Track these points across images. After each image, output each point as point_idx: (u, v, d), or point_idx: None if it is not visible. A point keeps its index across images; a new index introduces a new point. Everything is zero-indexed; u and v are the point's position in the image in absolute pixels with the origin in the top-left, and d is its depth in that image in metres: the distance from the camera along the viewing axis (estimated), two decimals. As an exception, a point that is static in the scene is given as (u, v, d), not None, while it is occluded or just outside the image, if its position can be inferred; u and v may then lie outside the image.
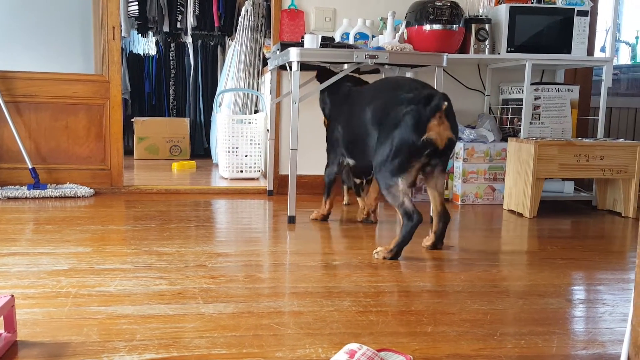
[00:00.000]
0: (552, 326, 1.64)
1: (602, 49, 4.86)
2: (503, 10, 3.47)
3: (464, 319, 1.67)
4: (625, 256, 2.47)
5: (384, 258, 2.32)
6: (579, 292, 1.98)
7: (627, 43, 5.39)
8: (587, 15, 3.53)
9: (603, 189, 3.55)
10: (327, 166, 2.97)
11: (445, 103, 2.30)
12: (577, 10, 3.52)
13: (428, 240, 2.53)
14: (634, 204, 3.34)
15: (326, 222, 3.00)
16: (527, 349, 1.47)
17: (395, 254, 2.33)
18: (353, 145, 2.71)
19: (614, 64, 3.66)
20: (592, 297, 1.92)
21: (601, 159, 3.27)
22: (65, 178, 3.75)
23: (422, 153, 2.32)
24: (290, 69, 2.91)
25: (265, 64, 4.73)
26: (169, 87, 6.36)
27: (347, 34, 3.61)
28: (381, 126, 2.43)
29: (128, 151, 5.92)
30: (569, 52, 3.54)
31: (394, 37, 3.40)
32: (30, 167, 3.60)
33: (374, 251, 2.38)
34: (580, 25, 3.54)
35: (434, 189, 2.50)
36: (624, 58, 5.39)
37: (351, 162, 2.82)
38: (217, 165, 5.22)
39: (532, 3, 3.64)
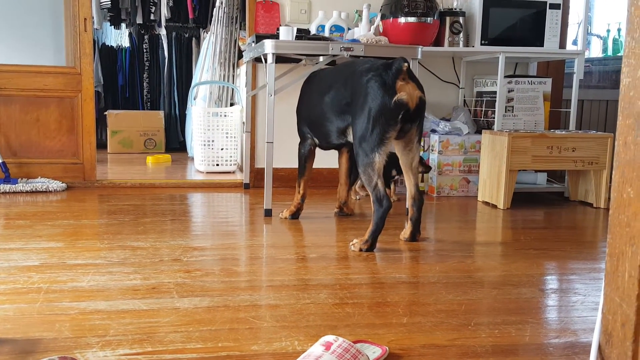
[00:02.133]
0: (525, 315, 1.66)
1: (574, 42, 4.92)
2: (477, 3, 3.49)
3: (439, 309, 1.69)
4: (597, 246, 2.52)
5: (360, 250, 2.31)
6: (551, 282, 2.01)
7: (598, 36, 5.47)
8: (559, 9, 3.57)
9: (575, 180, 3.61)
10: (300, 143, 2.90)
11: (406, 64, 2.28)
12: (550, 4, 3.56)
13: (405, 232, 2.52)
14: (605, 195, 3.40)
15: (307, 215, 2.99)
16: (500, 338, 1.49)
17: (371, 245, 2.31)
18: (315, 125, 2.70)
19: (585, 57, 3.71)
20: (565, 287, 1.95)
21: (573, 151, 3.32)
22: (36, 172, 3.69)
23: (397, 117, 2.28)
24: (266, 62, 2.89)
25: (240, 56, 4.70)
26: (143, 80, 6.29)
27: (323, 27, 3.60)
28: (350, 104, 2.41)
29: (101, 145, 5.84)
30: (542, 45, 3.58)
31: (369, 30, 3.40)
32: (0, 161, 3.53)
33: (350, 243, 2.38)
34: (552, 18, 3.58)
35: (409, 169, 2.47)
36: (595, 51, 5.47)
37: (316, 140, 2.79)
38: (192, 158, 5.19)
39: (505, -4, 3.66)
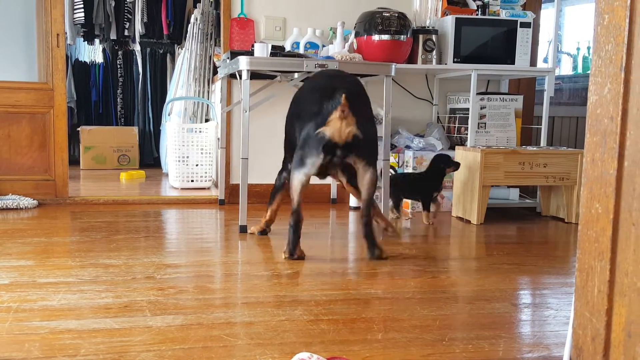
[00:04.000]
0: (498, 330, 1.68)
1: (545, 60, 5.02)
2: (449, 22, 3.55)
3: (414, 325, 1.69)
4: (569, 261, 2.55)
5: (285, 258, 2.41)
6: (524, 297, 2.03)
7: (568, 54, 5.59)
8: (530, 27, 3.65)
9: (547, 195, 3.66)
10: (279, 171, 2.86)
11: (344, 96, 2.23)
12: (520, 22, 3.63)
13: (367, 249, 2.48)
14: (576, 210, 3.46)
15: (282, 231, 2.98)
16: (474, 353, 1.50)
17: (289, 254, 2.40)
18: (292, 147, 2.62)
19: (556, 74, 3.79)
20: (537, 301, 1.97)
21: (544, 167, 3.37)
22: (7, 189, 3.62)
23: (319, 148, 2.27)
24: (241, 78, 2.89)
25: (215, 72, 4.70)
26: (117, 96, 6.24)
27: (298, 44, 3.62)
28: (299, 121, 2.44)
29: (74, 161, 5.77)
30: (513, 63, 3.65)
31: (344, 47, 3.43)
32: (-31, 178, 3.46)
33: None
34: (523, 36, 3.65)
35: (361, 187, 2.41)
36: (565, 68, 5.59)
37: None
38: (167, 174, 5.15)
39: (477, 15, 3.74)
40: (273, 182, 3.83)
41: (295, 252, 2.41)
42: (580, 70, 5.40)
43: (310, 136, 2.30)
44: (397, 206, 3.38)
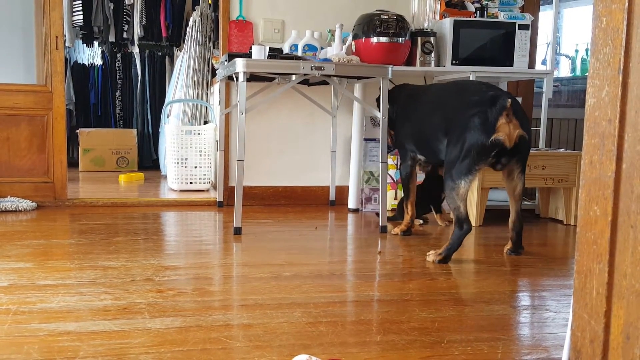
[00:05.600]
0: (497, 332, 1.68)
1: (544, 62, 5.03)
2: (447, 24, 3.56)
3: (412, 327, 1.69)
4: (568, 263, 2.55)
5: (434, 261, 2.47)
6: (523, 299, 2.03)
7: (567, 56, 5.61)
8: (528, 29, 3.65)
9: (545, 197, 3.67)
10: (400, 164, 3.02)
11: (510, 100, 2.37)
12: (519, 24, 3.64)
13: (507, 247, 2.69)
14: (575, 212, 3.46)
15: (281, 233, 2.98)
16: (473, 356, 1.50)
17: (444, 258, 2.46)
18: (423, 143, 2.78)
19: (554, 76, 3.79)
20: (536, 303, 1.97)
21: (543, 169, 3.37)
22: (6, 191, 3.62)
23: (490, 153, 2.41)
24: (238, 80, 2.90)
25: (214, 74, 4.70)
26: (115, 98, 6.24)
27: (296, 46, 3.62)
28: (450, 129, 2.53)
29: (73, 163, 5.76)
30: (511, 65, 3.65)
31: (342, 49, 3.43)
32: (-33, 180, 3.46)
33: (427, 254, 2.54)
34: (521, 38, 3.66)
35: (512, 194, 2.61)
36: (564, 70, 5.60)
37: (422, 157, 2.88)
38: (165, 177, 5.14)
39: (475, 17, 3.74)
40: (272, 184, 3.86)
41: (449, 259, 2.49)
42: (578, 72, 5.41)
43: (477, 144, 2.39)
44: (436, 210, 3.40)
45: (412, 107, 2.91)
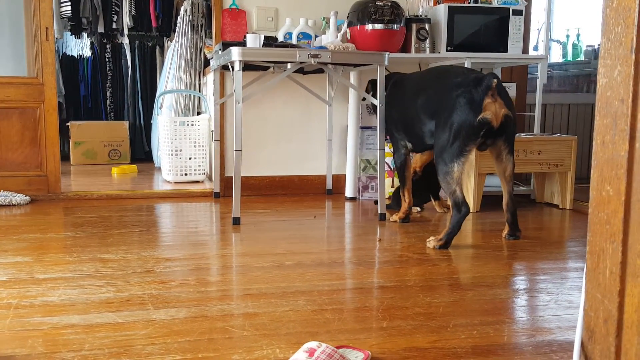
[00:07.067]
0: (501, 316, 1.68)
1: (535, 48, 5.03)
2: (442, 10, 3.54)
3: (418, 312, 1.69)
4: (564, 246, 2.57)
5: (434, 247, 2.47)
6: (524, 282, 2.04)
7: (558, 42, 5.61)
8: (522, 15, 3.65)
9: (541, 182, 3.68)
10: (393, 153, 3.02)
11: (495, 80, 2.40)
12: (513, 10, 3.63)
13: (505, 231, 2.70)
14: (570, 196, 3.47)
15: (280, 223, 2.97)
16: (479, 339, 1.51)
17: (445, 243, 2.47)
18: (409, 129, 2.80)
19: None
20: (537, 287, 1.98)
21: (539, 154, 3.38)
22: (-2, 186, 3.59)
23: (479, 133, 2.42)
24: (233, 69, 2.87)
25: (206, 64, 4.67)
26: (106, 90, 6.18)
27: (290, 34, 3.60)
28: (437, 113, 2.54)
29: (64, 157, 5.71)
30: (506, 51, 3.65)
31: (337, 37, 3.41)
32: (-40, 175, 3.42)
33: (427, 240, 2.54)
34: (515, 24, 3.65)
35: (503, 176, 2.63)
36: (555, 56, 5.60)
37: (409, 145, 2.89)
38: (159, 168, 5.11)
39: (469, 3, 3.73)
40: (269, 174, 3.84)
41: (450, 244, 2.50)
42: (570, 57, 5.42)
43: (466, 124, 2.40)
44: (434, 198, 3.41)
45: (397, 95, 2.94)
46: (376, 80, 3.18)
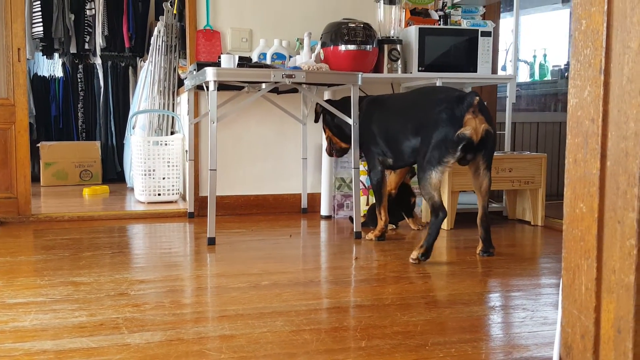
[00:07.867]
0: (479, 333, 1.70)
1: (503, 68, 5.14)
2: (413, 32, 3.60)
3: (396, 331, 1.70)
4: (537, 262, 2.60)
5: (417, 258, 2.53)
6: (500, 299, 2.06)
7: (525, 62, 5.74)
8: (491, 36, 3.73)
9: (512, 199, 3.73)
10: (369, 170, 3.05)
11: (477, 98, 2.49)
12: (481, 31, 3.71)
13: (479, 248, 2.73)
14: (541, 213, 3.53)
15: (255, 242, 2.96)
16: (457, 357, 1.51)
17: (426, 250, 2.53)
18: (391, 144, 2.87)
19: (516, 81, 3.87)
20: (513, 303, 2.00)
21: (510, 171, 3.44)
22: (-34, 208, 3.51)
23: (457, 147, 2.49)
24: (208, 89, 2.87)
25: (180, 84, 4.65)
26: (78, 110, 6.11)
27: (264, 54, 3.62)
28: (421, 128, 2.64)
29: (34, 178, 5.58)
30: (475, 71, 3.72)
31: (311, 57, 3.44)
32: None
33: (410, 255, 2.58)
34: (484, 45, 3.73)
35: (479, 191, 2.69)
36: (523, 76, 5.73)
37: (389, 161, 2.94)
38: (132, 189, 5.05)
39: (439, 25, 3.80)
40: (244, 193, 3.83)
41: (431, 251, 2.56)
42: (537, 77, 5.54)
43: (447, 138, 2.50)
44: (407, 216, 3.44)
45: (376, 111, 3.00)
46: (337, 100, 3.28)
